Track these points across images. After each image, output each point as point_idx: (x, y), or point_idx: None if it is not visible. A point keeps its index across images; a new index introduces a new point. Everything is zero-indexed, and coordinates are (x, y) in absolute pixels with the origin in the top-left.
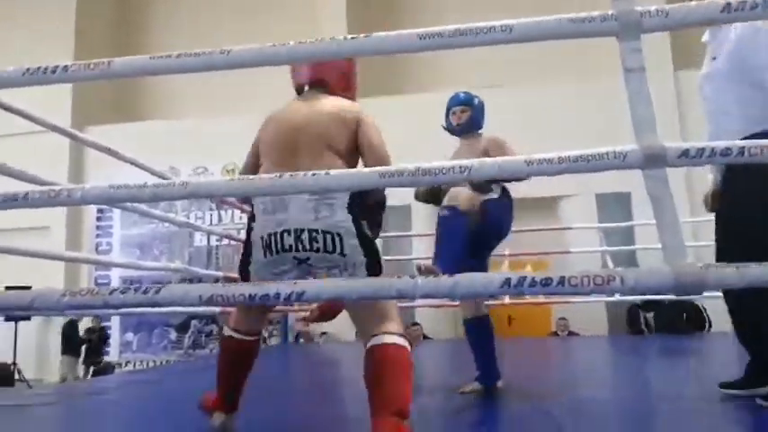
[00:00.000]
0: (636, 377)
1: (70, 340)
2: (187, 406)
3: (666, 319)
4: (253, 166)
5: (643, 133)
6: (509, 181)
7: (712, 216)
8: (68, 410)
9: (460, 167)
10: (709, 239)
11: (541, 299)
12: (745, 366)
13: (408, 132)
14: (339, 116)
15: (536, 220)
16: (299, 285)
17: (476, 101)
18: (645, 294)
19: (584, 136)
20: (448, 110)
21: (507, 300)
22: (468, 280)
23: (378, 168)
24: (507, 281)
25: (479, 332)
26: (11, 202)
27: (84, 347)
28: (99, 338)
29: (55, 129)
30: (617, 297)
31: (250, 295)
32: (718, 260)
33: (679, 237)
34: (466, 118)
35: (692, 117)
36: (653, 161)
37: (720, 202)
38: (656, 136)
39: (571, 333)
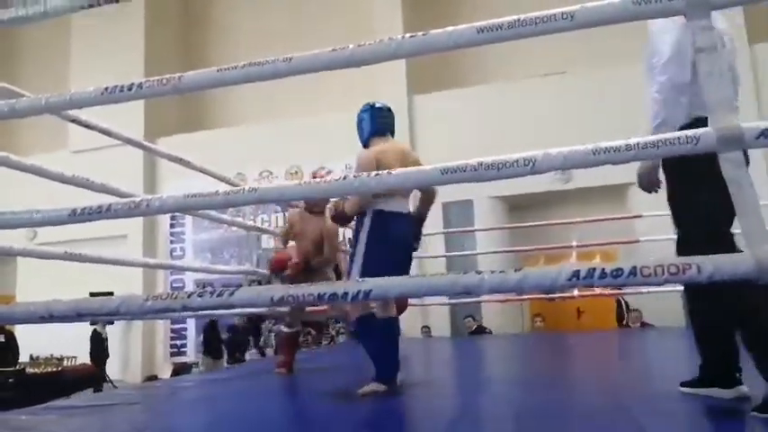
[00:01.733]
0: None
1: (209, 342)
2: (259, 402)
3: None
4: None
5: (717, 114)
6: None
7: None
8: (151, 409)
9: (525, 160)
10: None
11: (609, 290)
12: (700, 366)
13: (468, 123)
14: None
15: (604, 209)
16: (366, 284)
17: (358, 115)
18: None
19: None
20: None
21: (576, 292)
22: (535, 274)
23: (439, 166)
24: (576, 273)
25: (366, 330)
26: (97, 214)
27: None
28: (245, 335)
29: (129, 141)
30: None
31: (319, 295)
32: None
33: (760, 221)
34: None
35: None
36: (728, 143)
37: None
38: (733, 117)
39: (644, 324)
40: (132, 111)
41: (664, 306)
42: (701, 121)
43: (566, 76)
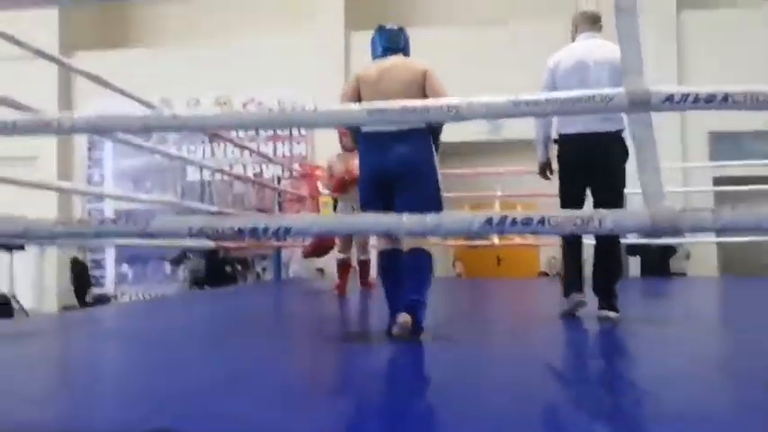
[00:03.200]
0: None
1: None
2: (183, 333)
3: (651, 263)
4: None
5: (630, 77)
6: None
7: (705, 162)
8: (67, 338)
9: (449, 107)
10: (698, 184)
11: (530, 240)
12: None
13: None
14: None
15: (528, 161)
16: (286, 220)
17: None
18: (624, 234)
19: None
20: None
21: (497, 240)
22: (451, 219)
23: (365, 106)
24: (489, 219)
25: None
26: (0, 129)
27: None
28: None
29: (41, 54)
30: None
31: (240, 229)
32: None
33: (658, 180)
34: None
35: (692, 60)
36: (637, 105)
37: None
38: (643, 79)
39: (545, 274)
40: (45, 22)
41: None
42: (564, 136)
43: (503, 26)
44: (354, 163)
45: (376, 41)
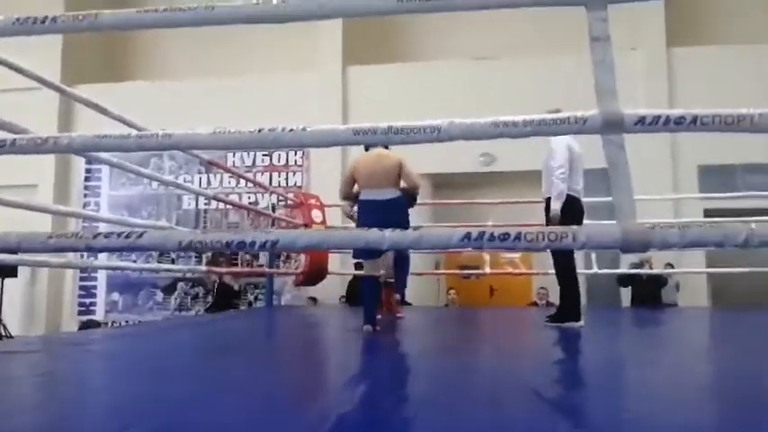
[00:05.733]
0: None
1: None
2: (173, 357)
3: (642, 294)
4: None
5: (604, 100)
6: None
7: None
8: (54, 357)
9: (431, 128)
10: (689, 217)
11: (522, 269)
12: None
13: (402, 98)
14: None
15: (525, 193)
16: (273, 234)
17: None
18: (595, 249)
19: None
20: None
21: (488, 270)
22: (432, 233)
23: (352, 126)
24: (467, 234)
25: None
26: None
27: None
28: None
29: (44, 82)
30: (594, 270)
31: (227, 242)
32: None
33: (630, 198)
34: None
35: (683, 94)
36: (611, 126)
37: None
38: (617, 103)
39: (549, 303)
40: (49, 53)
41: None
42: (569, 195)
43: (497, 61)
44: None
45: None
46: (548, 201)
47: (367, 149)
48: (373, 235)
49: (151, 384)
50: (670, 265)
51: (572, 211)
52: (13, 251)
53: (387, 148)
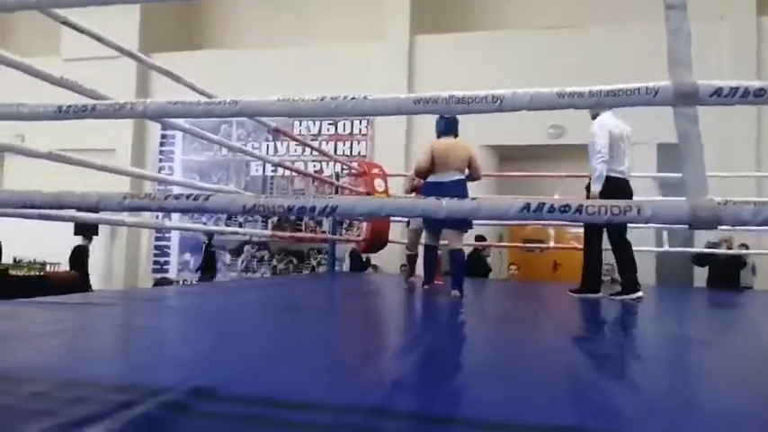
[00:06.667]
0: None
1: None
2: (226, 312)
3: (720, 275)
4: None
5: (677, 71)
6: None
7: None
8: (129, 310)
9: (493, 97)
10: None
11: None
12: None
13: (469, 69)
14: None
15: (577, 167)
16: (333, 200)
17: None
18: (661, 224)
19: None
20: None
21: (552, 244)
22: (490, 204)
23: (412, 95)
24: (527, 205)
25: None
26: (82, 112)
27: None
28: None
29: (122, 51)
30: (666, 248)
31: (288, 207)
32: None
33: (702, 174)
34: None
35: None
36: (684, 98)
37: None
38: (690, 74)
39: (614, 280)
40: (127, 24)
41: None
42: (610, 178)
43: (571, 31)
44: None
45: (440, 123)
46: (588, 184)
47: (439, 137)
48: (430, 203)
49: (219, 340)
50: (744, 246)
51: (614, 194)
52: (95, 210)
53: (456, 134)
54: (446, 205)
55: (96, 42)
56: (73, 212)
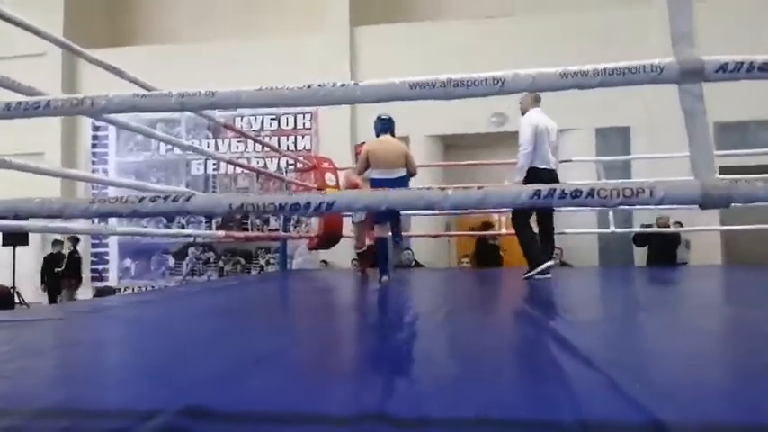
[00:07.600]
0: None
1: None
2: (185, 320)
3: (658, 254)
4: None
5: (680, 47)
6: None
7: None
8: (76, 324)
9: (494, 79)
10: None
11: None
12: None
13: (411, 60)
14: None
15: None
16: (329, 196)
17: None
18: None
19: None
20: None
21: (504, 230)
22: (498, 192)
23: (408, 79)
24: (537, 192)
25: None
26: (34, 109)
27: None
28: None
29: (60, 44)
30: (612, 229)
31: (281, 205)
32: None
33: (709, 152)
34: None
35: None
36: (691, 75)
37: None
38: (694, 50)
39: (563, 264)
40: (52, 20)
41: (581, 246)
42: (534, 169)
43: (510, 19)
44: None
45: (378, 124)
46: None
47: (378, 136)
48: (435, 194)
49: (190, 351)
50: (679, 224)
51: (537, 183)
52: (57, 217)
53: (393, 133)
54: (452, 196)
55: (18, 39)
56: None
